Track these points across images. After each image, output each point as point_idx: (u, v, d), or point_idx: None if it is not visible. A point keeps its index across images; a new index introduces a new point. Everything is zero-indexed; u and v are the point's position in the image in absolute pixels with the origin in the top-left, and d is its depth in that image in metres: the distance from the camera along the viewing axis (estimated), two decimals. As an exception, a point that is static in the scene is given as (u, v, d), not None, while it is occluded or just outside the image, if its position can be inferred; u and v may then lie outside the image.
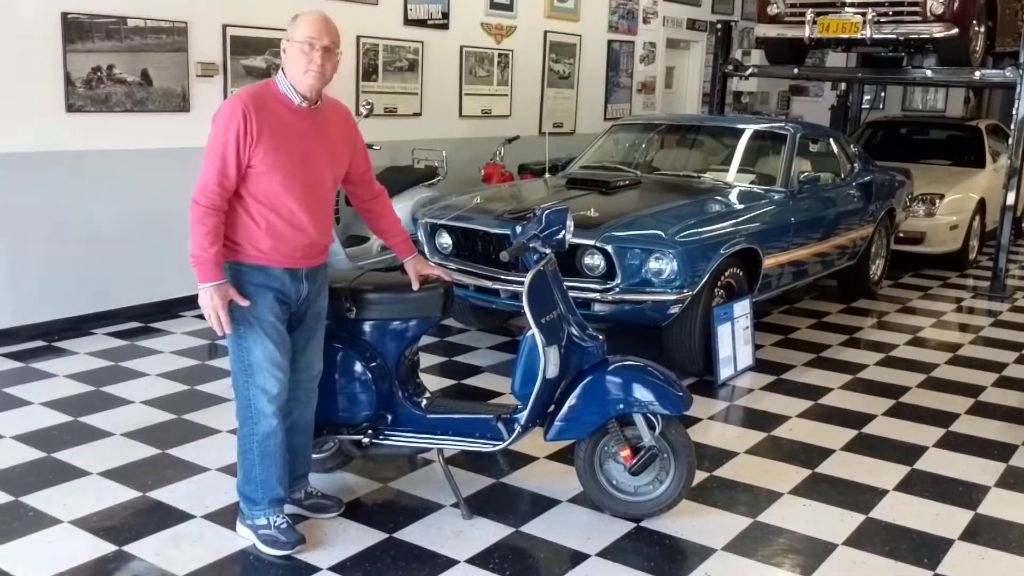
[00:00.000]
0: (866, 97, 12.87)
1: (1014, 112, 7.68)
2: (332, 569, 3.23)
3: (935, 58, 8.58)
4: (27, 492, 3.70)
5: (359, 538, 3.44)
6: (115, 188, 6.01)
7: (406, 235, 3.69)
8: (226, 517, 3.55)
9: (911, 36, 7.98)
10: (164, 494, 3.73)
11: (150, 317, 6.21)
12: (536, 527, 3.58)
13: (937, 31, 7.82)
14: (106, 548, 3.31)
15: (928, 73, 8.74)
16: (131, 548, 3.31)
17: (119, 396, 4.80)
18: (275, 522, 3.32)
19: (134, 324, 6.09)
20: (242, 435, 3.29)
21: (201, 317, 6.15)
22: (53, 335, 5.74)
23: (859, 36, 8.05)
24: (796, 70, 9.43)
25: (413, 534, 3.49)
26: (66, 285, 5.85)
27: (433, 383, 5.02)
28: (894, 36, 8.01)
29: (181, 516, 3.56)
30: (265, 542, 3.30)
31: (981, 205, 8.86)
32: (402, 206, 6.99)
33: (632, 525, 3.60)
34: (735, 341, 5.43)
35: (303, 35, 3.12)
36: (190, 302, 6.37)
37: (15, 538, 3.35)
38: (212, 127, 3.15)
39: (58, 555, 3.25)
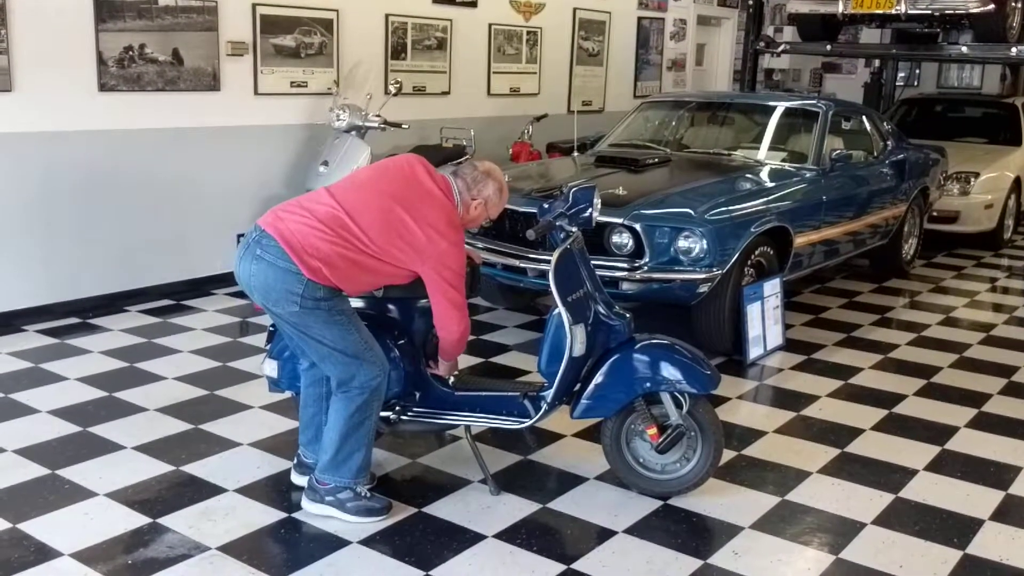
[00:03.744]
0: (900, 74, 12.68)
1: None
2: (362, 543, 3.27)
3: (971, 34, 8.44)
4: (63, 465, 3.77)
5: (389, 513, 3.47)
6: (147, 167, 6.07)
7: None
8: (258, 491, 3.61)
9: (947, 11, 7.85)
10: (197, 468, 3.79)
11: (182, 295, 6.28)
12: (563, 504, 3.60)
13: (974, 6, 7.69)
14: (140, 520, 3.37)
15: (964, 49, 8.59)
16: (165, 520, 3.37)
17: (152, 372, 4.87)
18: (362, 492, 3.40)
19: (166, 302, 6.17)
20: (353, 412, 3.31)
21: (233, 295, 6.26)
22: (87, 312, 5.83)
23: (894, 11, 7.94)
24: (829, 47, 9.31)
25: (442, 509, 3.52)
26: (99, 263, 5.93)
27: (460, 361, 5.01)
28: (929, 11, 7.88)
29: (214, 490, 3.61)
30: (359, 512, 3.38)
31: (1017, 184, 8.73)
32: (431, 185, 7.01)
33: (659, 503, 3.61)
34: (765, 320, 5.40)
35: (495, 213, 3.49)
36: (221, 280, 6.45)
37: (52, 510, 3.42)
38: (451, 249, 3.29)
39: (94, 527, 3.31)
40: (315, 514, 3.41)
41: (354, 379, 3.28)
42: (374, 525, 3.37)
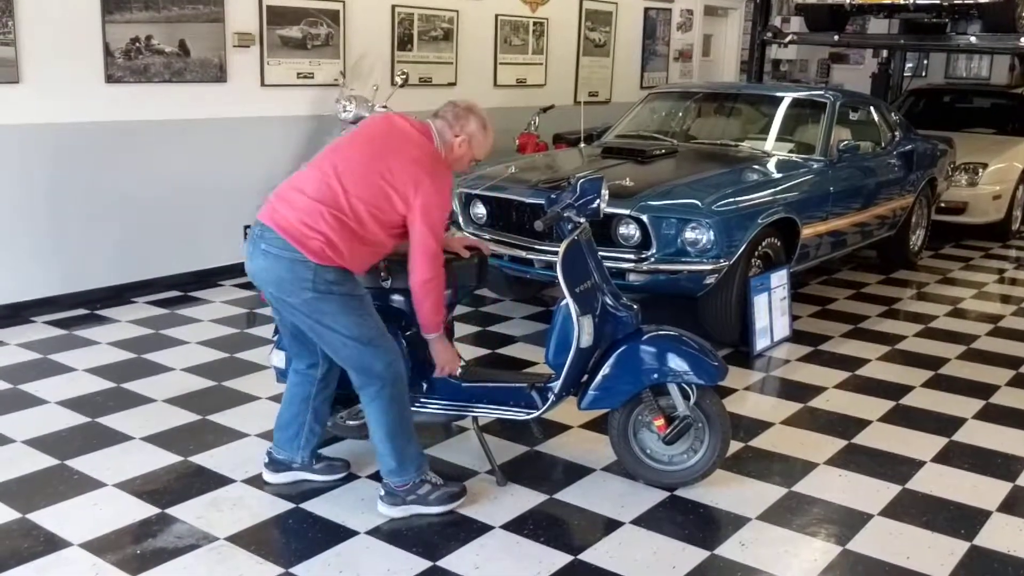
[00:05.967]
0: (908, 65, 12.61)
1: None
2: (369, 533, 3.28)
3: (980, 24, 8.38)
4: (72, 456, 3.79)
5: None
6: (154, 158, 6.07)
7: None
8: (265, 482, 3.62)
9: (955, 1, 7.81)
10: (205, 459, 3.80)
11: (189, 286, 6.29)
12: (570, 495, 3.60)
13: (982, -4, 7.65)
14: (149, 511, 3.38)
15: (972, 40, 8.55)
16: (173, 511, 3.38)
17: (160, 363, 4.89)
18: (436, 481, 3.40)
19: (174, 293, 6.18)
20: (387, 407, 3.28)
21: (240, 286, 6.26)
22: (95, 303, 5.84)
23: (902, 1, 7.90)
24: (836, 37, 9.27)
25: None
26: (107, 254, 5.95)
27: (468, 352, 5.04)
28: (938, 1, 7.84)
29: (221, 480, 3.63)
30: (443, 502, 3.39)
31: (1025, 175, 8.70)
32: (437, 176, 7.01)
33: (666, 494, 3.61)
34: (772, 312, 5.39)
35: (481, 152, 3.41)
36: (228, 272, 6.47)
37: (61, 500, 3.44)
38: (433, 186, 3.22)
39: (103, 517, 3.33)
40: (399, 517, 3.36)
41: (372, 369, 3.25)
42: (381, 516, 3.38)
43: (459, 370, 3.63)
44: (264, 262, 3.21)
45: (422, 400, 3.65)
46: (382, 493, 3.40)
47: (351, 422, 3.92)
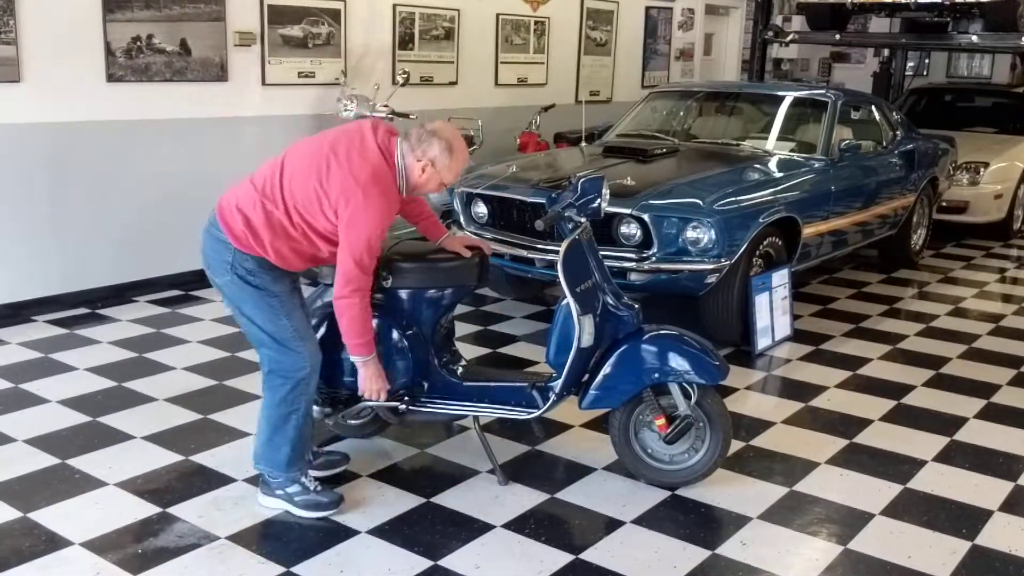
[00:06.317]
0: (909, 64, 12.59)
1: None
2: (370, 532, 3.28)
3: (981, 23, 8.37)
4: (73, 455, 3.79)
5: (397, 502, 3.49)
6: (155, 157, 6.07)
7: (435, 216, 3.71)
8: (266, 481, 3.62)
9: (957, 0, 7.79)
10: (206, 458, 3.80)
11: (190, 285, 6.29)
12: (571, 494, 3.60)
13: (984, -5, 7.64)
14: (150, 510, 3.38)
15: (974, 39, 8.54)
16: (174, 510, 3.38)
17: (161, 362, 4.89)
18: (310, 486, 3.38)
19: (175, 292, 6.18)
20: (279, 402, 3.30)
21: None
22: (96, 302, 5.84)
23: (903, 0, 7.88)
24: (838, 36, 9.27)
25: (450, 499, 3.53)
26: (108, 253, 5.95)
27: (468, 352, 5.04)
28: (939, 0, 7.82)
29: (223, 479, 3.63)
30: (306, 507, 3.35)
31: (1027, 174, 8.69)
32: (438, 175, 7.00)
33: (667, 493, 3.61)
34: (773, 311, 5.39)
35: (449, 175, 3.25)
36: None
37: (62, 499, 3.44)
38: (365, 203, 3.08)
39: (104, 516, 3.33)
40: (269, 507, 3.40)
41: (281, 367, 3.26)
42: (382, 514, 3.38)
43: (383, 396, 3.44)
44: (203, 237, 3.29)
45: (422, 399, 3.66)
46: (260, 481, 3.44)
47: (352, 421, 3.92)
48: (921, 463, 3.97)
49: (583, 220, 3.50)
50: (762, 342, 5.31)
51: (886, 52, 12.01)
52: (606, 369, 3.54)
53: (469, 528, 3.33)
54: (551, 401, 3.57)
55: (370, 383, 3.38)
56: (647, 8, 10.40)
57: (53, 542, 3.15)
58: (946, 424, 4.40)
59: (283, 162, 3.23)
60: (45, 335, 5.26)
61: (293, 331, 3.25)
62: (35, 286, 5.63)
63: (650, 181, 5.22)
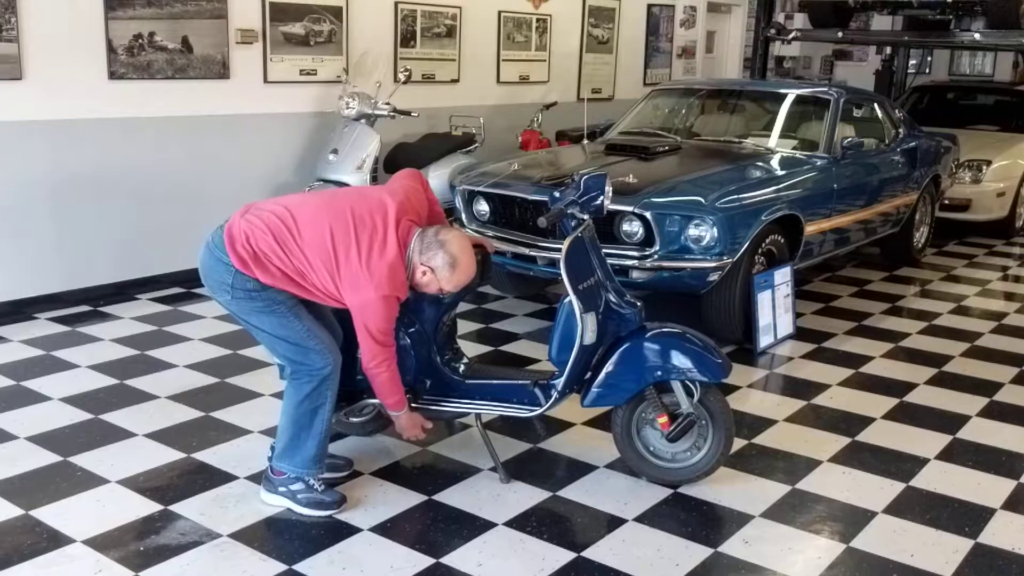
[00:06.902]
0: (912, 61, 12.61)
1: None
2: (372, 530, 3.28)
3: (984, 21, 8.36)
4: (75, 453, 3.79)
5: (399, 500, 3.48)
6: (157, 155, 6.07)
7: (442, 214, 3.69)
8: (268, 479, 3.61)
9: (959, -2, 7.79)
10: (208, 455, 3.80)
11: (192, 283, 6.27)
12: (573, 492, 3.60)
13: (986, -8, 7.63)
14: (152, 507, 3.38)
15: (976, 36, 8.52)
16: (176, 508, 3.38)
17: (163, 360, 4.89)
18: (314, 484, 3.38)
19: (177, 290, 6.18)
20: (303, 399, 3.29)
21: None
22: (98, 300, 5.84)
23: (906, -2, 7.88)
24: (840, 34, 9.25)
25: (452, 497, 3.52)
26: (110, 251, 5.95)
27: (471, 349, 5.04)
28: (942, -2, 7.82)
29: (225, 477, 3.62)
30: (309, 505, 3.35)
31: (1029, 171, 8.68)
32: (439, 173, 7.01)
33: (669, 491, 3.61)
34: (775, 309, 5.39)
35: (448, 286, 3.28)
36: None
37: (64, 497, 3.44)
38: (378, 296, 3.13)
39: (106, 514, 3.33)
40: (272, 505, 3.40)
41: (304, 363, 3.27)
42: (384, 512, 3.38)
43: (422, 436, 3.59)
44: (202, 254, 3.30)
45: (424, 397, 3.65)
46: (264, 477, 3.45)
47: (354, 419, 3.92)
48: (924, 461, 3.97)
49: (585, 218, 3.50)
50: (764, 340, 5.31)
51: (888, 50, 12.01)
52: (608, 367, 3.53)
53: (471, 526, 3.32)
54: (553, 399, 3.56)
55: (408, 430, 3.52)
56: (649, 6, 10.39)
57: (55, 540, 3.15)
58: (948, 422, 4.39)
59: (295, 217, 3.21)
60: (47, 333, 5.26)
61: (306, 331, 3.26)
62: (37, 283, 5.64)
63: (652, 179, 5.21)
